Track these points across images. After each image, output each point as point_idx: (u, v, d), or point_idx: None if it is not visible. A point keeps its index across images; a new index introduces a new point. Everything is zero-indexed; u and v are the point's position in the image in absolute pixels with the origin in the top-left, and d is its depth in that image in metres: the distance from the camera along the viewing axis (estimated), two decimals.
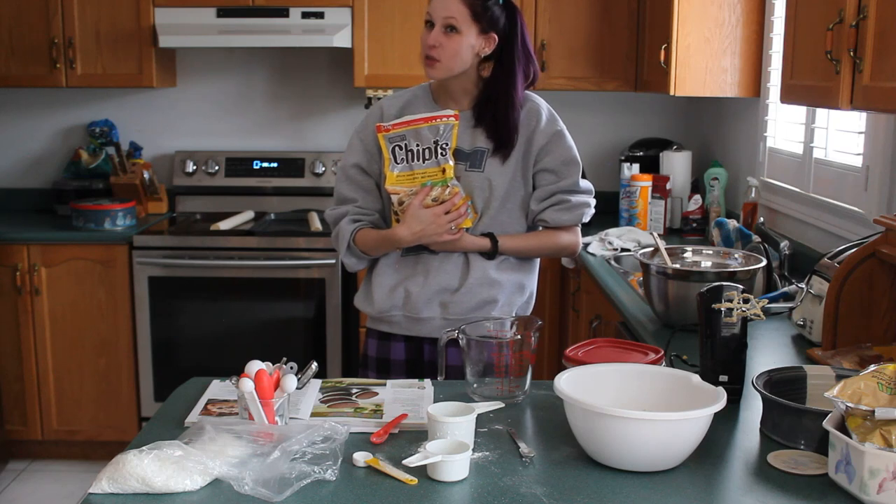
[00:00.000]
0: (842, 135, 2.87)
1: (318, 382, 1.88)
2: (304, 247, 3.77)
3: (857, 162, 2.72)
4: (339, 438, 1.52)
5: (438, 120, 2.18)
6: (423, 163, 2.19)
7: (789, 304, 2.41)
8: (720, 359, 1.76)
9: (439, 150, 2.18)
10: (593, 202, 2.34)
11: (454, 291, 2.26)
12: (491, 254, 2.26)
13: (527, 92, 2.31)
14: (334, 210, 2.36)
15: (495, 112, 2.23)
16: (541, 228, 2.34)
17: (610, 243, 3.45)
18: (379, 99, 2.62)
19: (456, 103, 2.29)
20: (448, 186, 2.18)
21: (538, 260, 2.41)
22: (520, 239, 2.30)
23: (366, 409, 1.75)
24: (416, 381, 1.94)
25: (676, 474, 1.47)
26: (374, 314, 2.33)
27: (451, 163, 2.18)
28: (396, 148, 2.20)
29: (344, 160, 2.37)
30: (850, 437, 1.39)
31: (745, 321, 1.75)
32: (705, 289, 1.77)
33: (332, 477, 1.44)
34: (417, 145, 2.19)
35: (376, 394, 1.84)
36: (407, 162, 2.21)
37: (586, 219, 2.33)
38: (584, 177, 2.33)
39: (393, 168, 2.21)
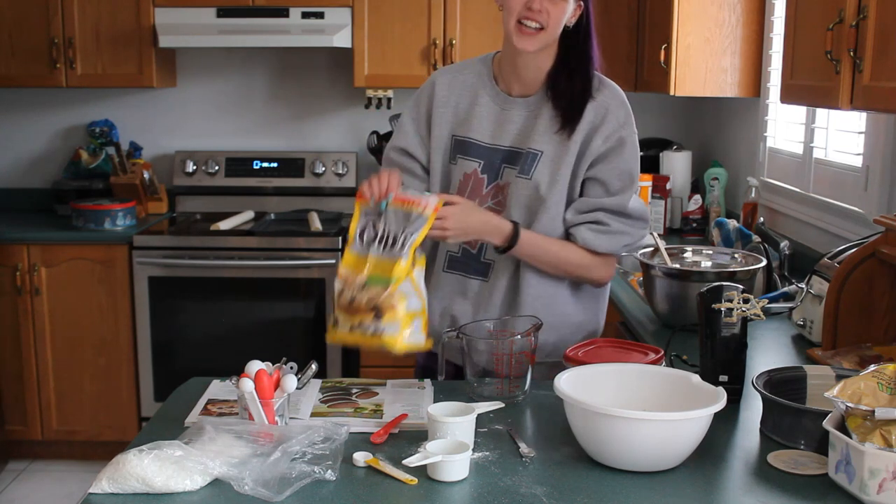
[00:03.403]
0: (842, 135, 2.86)
1: (318, 382, 1.88)
2: (304, 247, 3.77)
3: (857, 162, 2.72)
4: (339, 438, 1.52)
5: (418, 205, 1.83)
6: (381, 251, 1.79)
7: (789, 304, 2.41)
8: (720, 359, 1.76)
9: (401, 242, 1.79)
10: (641, 235, 2.05)
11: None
12: (504, 248, 1.96)
13: (604, 79, 2.04)
14: None
15: (572, 84, 1.97)
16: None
17: None
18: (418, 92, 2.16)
19: (522, 86, 2.01)
20: (387, 289, 1.73)
21: (605, 298, 2.14)
22: (543, 243, 1.98)
23: (366, 409, 1.75)
24: (415, 381, 1.94)
25: (676, 474, 1.47)
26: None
27: (407, 260, 1.77)
28: (371, 225, 1.84)
29: (390, 142, 2.13)
30: (850, 437, 1.39)
31: (745, 321, 1.75)
32: (705, 289, 1.77)
33: (332, 477, 1.44)
34: (385, 229, 1.82)
35: (376, 394, 1.84)
36: (366, 244, 1.82)
37: (624, 252, 2.06)
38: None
39: (351, 248, 1.83)
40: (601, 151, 1.98)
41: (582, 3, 1.98)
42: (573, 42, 1.98)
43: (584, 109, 1.97)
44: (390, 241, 1.79)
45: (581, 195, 2.02)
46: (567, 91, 1.98)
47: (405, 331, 1.74)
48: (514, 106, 2.03)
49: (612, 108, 1.99)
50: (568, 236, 2.03)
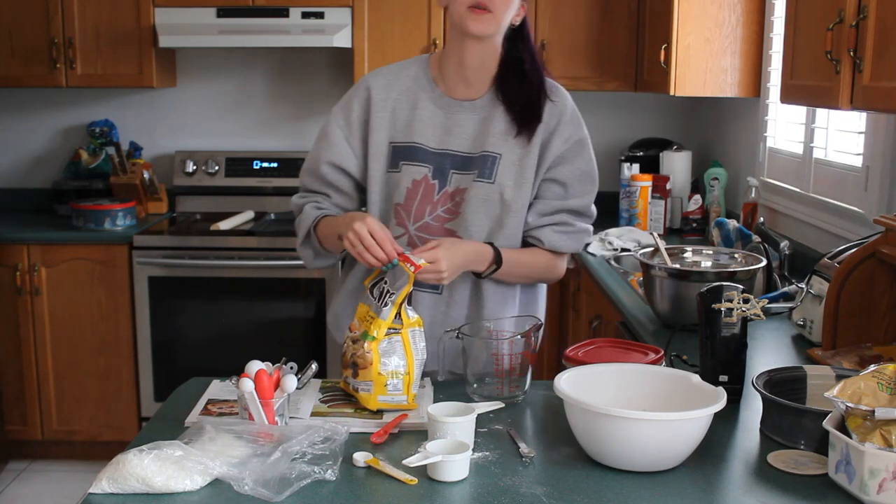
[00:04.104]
0: (842, 135, 2.87)
1: (318, 382, 1.88)
2: None
3: (857, 162, 2.72)
4: (339, 439, 1.52)
5: (409, 265, 1.76)
6: (374, 307, 1.78)
7: (789, 304, 2.41)
8: (720, 359, 1.76)
9: (384, 299, 1.76)
10: (592, 230, 2.10)
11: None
12: (489, 272, 1.95)
13: (554, 82, 2.01)
14: (301, 198, 2.08)
15: (526, 89, 1.93)
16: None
17: (610, 243, 3.45)
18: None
19: (467, 87, 1.97)
20: (363, 347, 1.73)
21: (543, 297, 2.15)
22: (518, 257, 1.97)
23: (366, 408, 1.74)
24: None
25: (676, 474, 1.47)
26: None
27: (387, 319, 1.73)
28: (383, 280, 1.81)
29: (314, 153, 2.02)
30: (850, 437, 1.39)
31: (745, 321, 1.75)
32: (705, 289, 1.77)
33: (332, 477, 1.44)
34: (384, 286, 1.79)
35: None
36: (373, 296, 1.81)
37: (581, 248, 2.09)
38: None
39: (365, 300, 1.83)
40: (561, 153, 1.96)
41: (525, 4, 1.95)
42: (518, 45, 1.95)
43: (542, 113, 1.94)
44: (379, 296, 1.77)
45: (537, 196, 2.00)
46: (520, 96, 1.94)
47: (378, 390, 1.71)
48: (461, 110, 1.97)
49: (566, 110, 1.98)
50: (527, 238, 2.02)
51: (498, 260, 1.94)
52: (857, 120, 2.75)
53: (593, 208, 2.06)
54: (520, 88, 1.95)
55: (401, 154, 1.98)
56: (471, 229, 1.97)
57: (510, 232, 1.98)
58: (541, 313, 2.13)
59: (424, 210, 1.98)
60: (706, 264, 2.50)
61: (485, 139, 1.95)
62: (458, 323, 1.96)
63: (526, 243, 2.03)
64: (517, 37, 1.96)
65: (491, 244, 1.95)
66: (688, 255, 2.53)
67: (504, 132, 1.95)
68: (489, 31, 1.88)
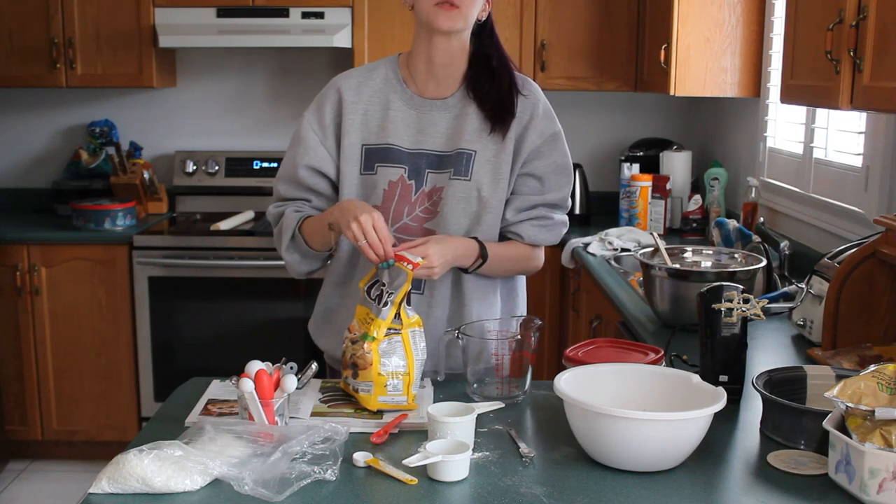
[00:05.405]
0: (842, 135, 2.87)
1: (318, 382, 1.88)
2: None
3: (857, 162, 2.72)
4: (339, 439, 1.52)
5: (406, 264, 1.76)
6: (373, 307, 1.78)
7: (789, 304, 2.41)
8: (720, 359, 1.76)
9: (383, 298, 1.76)
10: (568, 220, 2.10)
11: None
12: (476, 266, 1.96)
13: (524, 76, 2.02)
14: (278, 207, 2.03)
15: (497, 85, 1.94)
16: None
17: (610, 243, 3.46)
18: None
19: (437, 86, 1.98)
20: (363, 347, 1.72)
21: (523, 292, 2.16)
22: (500, 251, 1.98)
23: (366, 409, 1.74)
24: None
25: (676, 474, 1.47)
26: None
27: (386, 319, 1.73)
28: (380, 281, 1.80)
29: (290, 159, 2.00)
30: (850, 437, 1.39)
31: (745, 321, 1.75)
32: (705, 289, 1.77)
33: (332, 477, 1.44)
34: (382, 286, 1.78)
35: None
36: (370, 298, 1.81)
37: (559, 240, 2.10)
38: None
39: (362, 301, 1.82)
40: (536, 146, 1.97)
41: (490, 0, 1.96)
42: (484, 41, 1.96)
43: (515, 108, 1.95)
44: (377, 296, 1.77)
45: (514, 191, 2.00)
46: (492, 92, 1.95)
47: (378, 391, 1.71)
48: (433, 109, 1.97)
49: (539, 104, 1.98)
50: (503, 234, 2.02)
51: (483, 254, 1.95)
52: (857, 120, 2.75)
53: (569, 199, 2.07)
54: (490, 85, 1.95)
55: (375, 156, 1.97)
56: (449, 227, 1.96)
57: (488, 228, 1.98)
58: (522, 308, 2.14)
59: (403, 211, 1.97)
60: (706, 264, 2.50)
61: (459, 137, 1.95)
62: (442, 323, 1.97)
63: (504, 238, 2.04)
64: (483, 33, 1.97)
65: (475, 238, 1.95)
66: (688, 255, 2.53)
67: (478, 129, 1.95)
68: (457, 27, 1.89)
